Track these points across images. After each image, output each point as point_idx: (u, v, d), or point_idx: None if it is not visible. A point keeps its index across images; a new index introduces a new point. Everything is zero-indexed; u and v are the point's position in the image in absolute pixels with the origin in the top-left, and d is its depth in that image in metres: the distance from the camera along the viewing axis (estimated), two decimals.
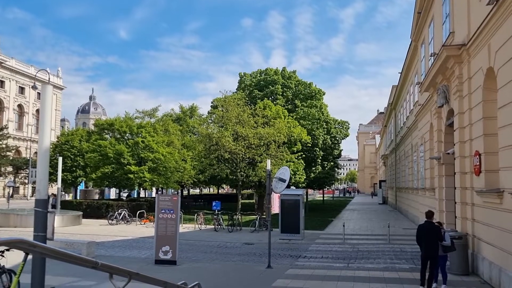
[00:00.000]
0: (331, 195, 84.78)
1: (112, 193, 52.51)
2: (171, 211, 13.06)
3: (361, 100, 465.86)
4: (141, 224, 26.49)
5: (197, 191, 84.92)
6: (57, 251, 2.88)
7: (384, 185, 59.38)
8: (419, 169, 24.91)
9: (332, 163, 44.25)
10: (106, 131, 37.31)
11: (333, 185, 78.26)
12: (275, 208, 27.91)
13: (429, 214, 10.36)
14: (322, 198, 60.91)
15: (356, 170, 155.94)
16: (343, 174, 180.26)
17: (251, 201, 56.75)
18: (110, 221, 26.56)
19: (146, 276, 4.09)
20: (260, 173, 29.00)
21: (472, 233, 12.29)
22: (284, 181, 12.93)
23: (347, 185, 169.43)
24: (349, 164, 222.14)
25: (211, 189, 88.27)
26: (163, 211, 13.07)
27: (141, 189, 40.76)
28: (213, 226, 23.99)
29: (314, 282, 10.64)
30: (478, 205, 11.84)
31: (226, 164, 30.36)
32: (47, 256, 3.15)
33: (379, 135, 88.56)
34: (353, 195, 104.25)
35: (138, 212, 27.33)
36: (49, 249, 2.84)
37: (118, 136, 35.88)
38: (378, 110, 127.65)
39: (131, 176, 31.55)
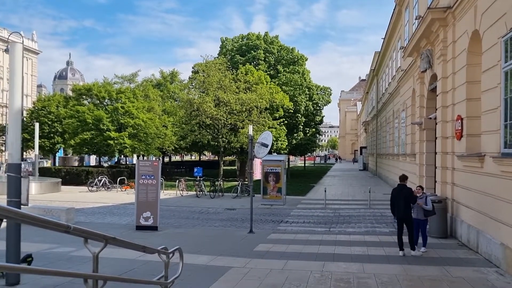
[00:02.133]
0: (313, 162, 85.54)
1: (92, 160, 51.84)
2: (152, 177, 12.85)
3: (343, 67, 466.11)
4: (121, 190, 26.29)
5: (178, 158, 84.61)
6: (23, 214, 2.67)
7: (365, 152, 59.92)
8: (400, 135, 25.04)
9: (314, 130, 44.36)
10: (84, 96, 36.43)
11: (315, 152, 78.74)
12: (257, 174, 27.92)
13: (402, 178, 10.41)
14: (303, 165, 61.42)
15: (337, 137, 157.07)
16: (324, 140, 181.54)
17: (233, 167, 56.85)
18: (90, 188, 26.28)
19: (124, 240, 3.91)
20: (242, 139, 28.85)
21: (451, 197, 12.42)
22: (266, 146, 12.78)
23: (328, 151, 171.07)
24: (330, 131, 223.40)
25: (193, 156, 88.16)
26: (143, 176, 12.85)
27: (122, 155, 40.29)
28: (195, 193, 23.94)
29: (296, 246, 10.66)
30: (458, 169, 11.91)
31: (208, 130, 30.09)
32: (13, 219, 2.94)
33: (360, 102, 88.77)
34: (335, 162, 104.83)
35: (118, 179, 27.09)
36: (15, 211, 2.62)
37: (97, 101, 35.13)
38: (359, 77, 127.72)
39: (111, 142, 31.09)
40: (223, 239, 11.82)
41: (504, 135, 8.41)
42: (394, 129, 28.33)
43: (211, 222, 15.29)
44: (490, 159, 8.96)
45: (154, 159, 40.35)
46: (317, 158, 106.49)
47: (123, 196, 23.65)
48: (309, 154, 54.46)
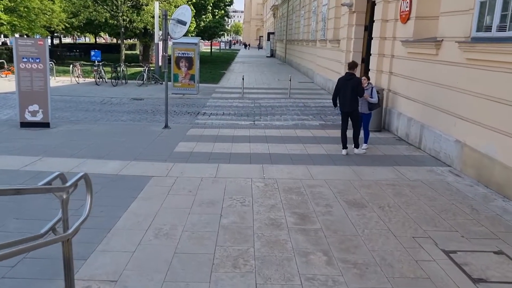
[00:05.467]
0: (218, 47, 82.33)
1: None
2: (37, 60, 10.05)
3: None
4: (1, 76, 22.26)
5: (70, 40, 76.22)
6: None
7: (273, 38, 58.06)
8: (319, 20, 23.45)
9: (223, 11, 41.21)
10: None
11: (222, 37, 75.38)
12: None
13: (352, 65, 8.79)
14: (209, 50, 58.43)
15: (242, 22, 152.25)
16: (228, 26, 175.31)
17: (133, 52, 52.51)
18: None
19: None
20: (146, 18, 25.40)
21: (388, 87, 11.45)
22: (184, 23, 10.43)
23: (232, 37, 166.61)
24: (234, 16, 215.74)
25: (87, 39, 79.89)
26: (25, 59, 10.00)
27: None
28: (93, 79, 20.92)
29: (223, 144, 9.11)
30: (400, 57, 10.77)
31: (105, 7, 25.93)
32: None
33: None
34: (243, 48, 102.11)
35: None
36: None
37: None
38: None
39: None
40: (135, 136, 9.80)
41: (479, 16, 7.11)
42: (311, 12, 26.54)
43: (117, 115, 13.06)
44: (454, 44, 7.73)
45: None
46: (221, 43, 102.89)
47: (3, 83, 19.91)
48: (217, 38, 51.43)
